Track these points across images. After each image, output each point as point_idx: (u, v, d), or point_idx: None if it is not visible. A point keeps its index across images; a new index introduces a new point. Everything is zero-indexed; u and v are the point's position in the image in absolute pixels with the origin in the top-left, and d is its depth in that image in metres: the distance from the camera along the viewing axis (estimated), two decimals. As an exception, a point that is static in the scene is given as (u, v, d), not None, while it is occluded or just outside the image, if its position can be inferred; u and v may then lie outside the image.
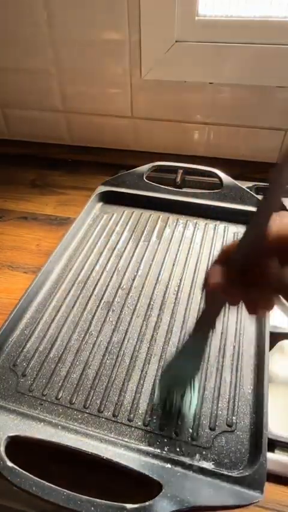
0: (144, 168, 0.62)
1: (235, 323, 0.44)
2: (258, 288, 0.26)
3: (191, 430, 0.35)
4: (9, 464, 0.31)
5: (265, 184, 0.67)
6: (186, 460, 0.33)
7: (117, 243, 0.56)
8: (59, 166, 0.77)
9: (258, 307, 0.28)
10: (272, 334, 0.42)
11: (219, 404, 0.37)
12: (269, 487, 0.33)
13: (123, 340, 0.43)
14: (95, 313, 0.46)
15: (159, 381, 0.38)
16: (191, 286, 0.49)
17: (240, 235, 0.26)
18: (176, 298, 0.48)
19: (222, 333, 0.43)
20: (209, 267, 0.29)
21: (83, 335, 0.44)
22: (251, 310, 0.28)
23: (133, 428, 0.36)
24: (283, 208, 0.23)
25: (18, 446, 0.33)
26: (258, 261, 0.25)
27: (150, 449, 0.34)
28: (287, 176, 0.23)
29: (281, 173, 0.23)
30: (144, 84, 0.69)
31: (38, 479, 0.30)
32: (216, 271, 0.27)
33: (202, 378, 0.39)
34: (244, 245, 0.26)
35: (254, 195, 0.59)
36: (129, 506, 0.29)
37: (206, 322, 0.32)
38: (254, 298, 0.27)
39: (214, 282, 0.27)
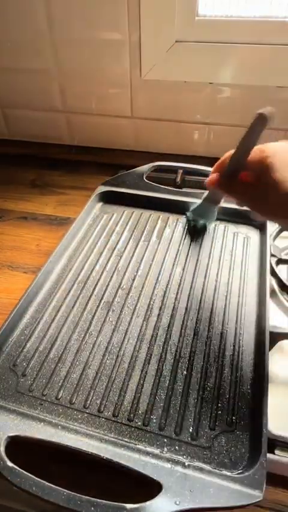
0: (144, 168, 0.62)
1: (235, 323, 0.44)
2: (237, 191, 0.38)
3: (191, 430, 0.36)
4: (9, 464, 0.31)
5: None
6: (186, 460, 0.33)
7: (117, 243, 0.56)
8: (59, 166, 0.77)
9: (239, 203, 0.41)
10: (272, 334, 0.42)
11: (219, 404, 0.37)
12: (269, 487, 0.33)
13: (123, 340, 0.43)
14: (95, 313, 0.46)
15: (192, 211, 0.57)
16: (191, 286, 0.49)
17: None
18: (175, 298, 0.48)
19: (222, 333, 0.44)
20: (211, 171, 0.40)
21: (83, 335, 0.44)
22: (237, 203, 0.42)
23: (133, 428, 0.36)
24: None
25: (18, 446, 0.33)
26: (241, 171, 0.37)
27: (150, 449, 0.34)
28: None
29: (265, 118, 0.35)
30: (144, 84, 0.69)
31: (38, 479, 0.30)
32: (214, 174, 0.39)
33: (202, 378, 0.39)
34: (233, 161, 0.37)
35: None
36: (129, 506, 0.29)
37: (212, 200, 0.49)
38: (234, 195, 0.39)
39: (211, 179, 0.39)
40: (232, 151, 0.38)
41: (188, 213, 0.58)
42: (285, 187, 0.32)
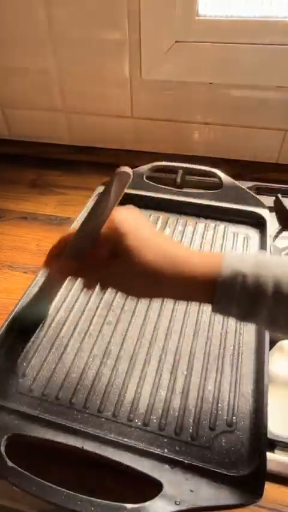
0: (144, 168, 0.62)
1: (235, 323, 0.44)
2: (86, 273, 0.33)
3: (191, 430, 0.35)
4: (9, 464, 0.31)
5: (265, 184, 0.67)
6: (186, 460, 0.33)
7: (117, 243, 0.56)
8: (59, 166, 0.77)
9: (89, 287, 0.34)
10: (272, 334, 0.42)
11: (219, 404, 0.37)
12: (269, 487, 0.33)
13: (123, 340, 0.43)
14: (95, 313, 0.46)
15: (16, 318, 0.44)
16: (191, 286, 0.49)
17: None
18: (176, 298, 0.48)
19: (222, 334, 0.44)
20: (49, 251, 0.33)
21: (83, 335, 0.44)
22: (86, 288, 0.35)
23: (133, 428, 0.36)
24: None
25: (18, 446, 0.33)
26: (91, 249, 0.31)
27: (150, 449, 0.34)
28: (124, 180, 0.30)
29: (119, 177, 0.30)
30: (144, 84, 0.69)
31: (38, 479, 0.30)
32: (52, 253, 0.33)
33: (202, 378, 0.39)
34: (80, 236, 0.32)
35: (254, 195, 0.59)
36: (129, 506, 0.29)
37: (47, 292, 0.41)
38: (85, 280, 0.33)
39: (50, 259, 0.33)
40: (71, 231, 0.33)
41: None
42: (142, 257, 0.29)
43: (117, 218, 0.31)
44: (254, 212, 0.57)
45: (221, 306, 0.29)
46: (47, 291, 0.41)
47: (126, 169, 0.30)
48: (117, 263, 0.30)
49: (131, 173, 0.30)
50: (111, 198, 0.30)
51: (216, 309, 0.29)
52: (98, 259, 0.31)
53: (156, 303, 0.47)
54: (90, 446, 0.33)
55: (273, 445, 0.36)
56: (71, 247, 0.32)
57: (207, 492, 0.30)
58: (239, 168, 0.72)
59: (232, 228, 0.57)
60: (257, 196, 0.59)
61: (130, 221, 0.31)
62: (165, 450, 0.34)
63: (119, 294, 0.48)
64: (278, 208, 0.61)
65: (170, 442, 0.35)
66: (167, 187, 0.62)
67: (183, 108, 0.71)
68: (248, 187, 0.61)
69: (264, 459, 0.32)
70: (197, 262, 0.29)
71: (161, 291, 0.31)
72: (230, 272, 0.28)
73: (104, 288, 0.34)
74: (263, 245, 0.54)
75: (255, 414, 0.36)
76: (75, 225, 0.32)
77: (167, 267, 0.29)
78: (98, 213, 0.30)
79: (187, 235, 0.57)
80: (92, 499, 0.29)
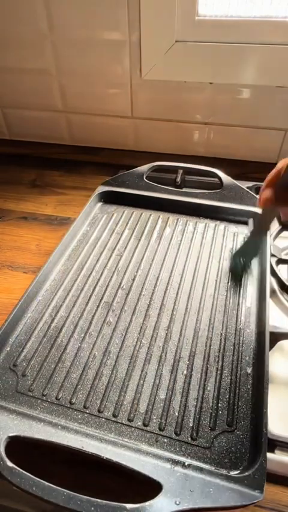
0: (144, 168, 0.62)
1: (235, 323, 0.44)
2: None
3: (191, 430, 0.35)
4: (9, 464, 0.31)
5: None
6: (186, 460, 0.33)
7: (117, 243, 0.56)
8: (59, 166, 0.77)
9: None
10: (272, 334, 0.42)
11: (219, 404, 0.37)
12: (269, 487, 0.33)
13: (123, 340, 0.43)
14: (95, 313, 0.46)
15: (233, 256, 0.51)
16: (191, 286, 0.49)
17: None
18: (176, 298, 0.48)
19: (222, 333, 0.44)
20: (262, 187, 0.35)
21: (83, 335, 0.44)
22: None
23: (133, 428, 0.36)
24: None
25: (18, 446, 0.33)
26: None
27: (150, 449, 0.34)
28: None
29: None
30: (144, 84, 0.69)
31: (38, 479, 0.30)
32: (266, 190, 0.34)
33: (202, 378, 0.39)
34: None
35: (254, 195, 0.59)
36: (129, 506, 0.29)
37: (262, 225, 0.47)
38: None
39: (266, 196, 0.34)
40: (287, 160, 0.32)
41: (236, 258, 0.50)
42: None
43: None
44: (254, 212, 0.57)
45: None
46: (262, 224, 0.46)
47: None
48: None
49: None
50: None
51: None
52: None
53: (156, 302, 0.47)
54: (90, 447, 0.33)
55: (273, 445, 0.36)
56: (285, 176, 0.32)
57: (207, 492, 0.30)
58: (239, 168, 0.72)
59: (232, 228, 0.57)
60: (257, 196, 0.59)
61: None
62: (165, 450, 0.34)
63: (119, 293, 0.48)
64: (278, 208, 0.61)
65: (170, 442, 0.35)
66: (167, 187, 0.62)
67: (183, 108, 0.71)
68: (248, 187, 0.61)
69: (264, 459, 0.32)
70: None
71: None
72: None
73: None
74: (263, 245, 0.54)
75: (255, 414, 0.36)
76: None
77: None
78: None
79: (187, 235, 0.57)
80: (92, 499, 0.29)
